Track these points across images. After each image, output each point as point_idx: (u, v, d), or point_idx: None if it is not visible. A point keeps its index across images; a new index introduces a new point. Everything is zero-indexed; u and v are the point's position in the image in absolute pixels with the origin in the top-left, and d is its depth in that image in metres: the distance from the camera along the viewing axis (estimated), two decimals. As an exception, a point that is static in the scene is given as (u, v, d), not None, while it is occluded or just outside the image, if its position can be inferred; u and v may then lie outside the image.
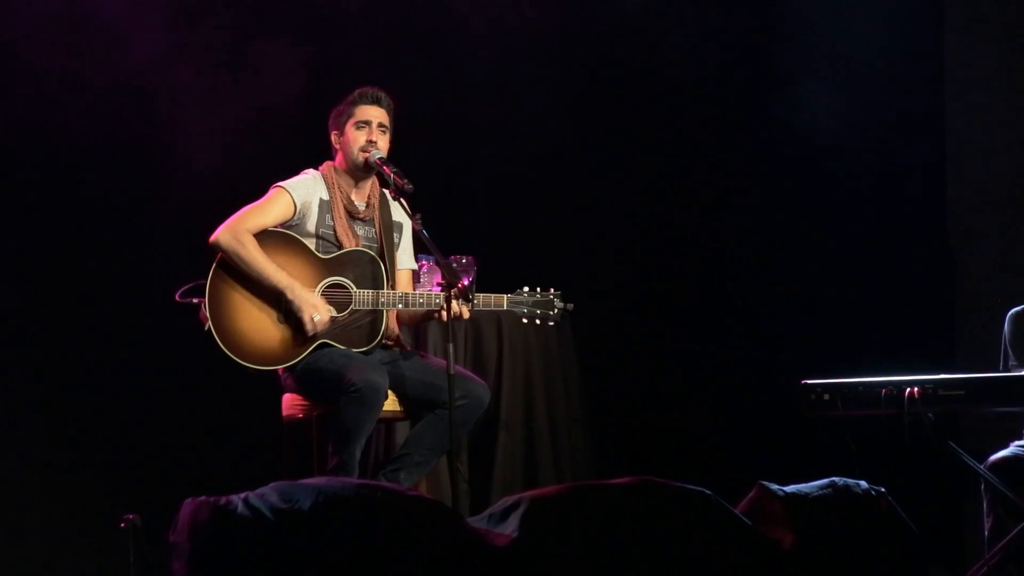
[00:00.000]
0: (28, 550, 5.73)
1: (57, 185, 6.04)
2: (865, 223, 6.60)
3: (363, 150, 5.00)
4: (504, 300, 4.94)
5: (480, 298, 4.90)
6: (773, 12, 6.77)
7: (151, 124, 6.11)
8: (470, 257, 5.46)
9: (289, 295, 4.82)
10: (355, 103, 5.05)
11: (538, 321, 4.96)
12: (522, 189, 6.70)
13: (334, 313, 4.87)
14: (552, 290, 4.98)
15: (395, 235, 5.10)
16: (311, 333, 4.82)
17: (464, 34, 6.58)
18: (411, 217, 4.87)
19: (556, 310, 4.96)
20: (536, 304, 4.95)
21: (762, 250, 6.72)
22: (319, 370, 4.82)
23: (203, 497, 3.62)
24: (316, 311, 4.82)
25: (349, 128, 5.03)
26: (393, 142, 5.08)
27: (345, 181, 5.06)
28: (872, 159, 6.64)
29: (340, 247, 4.96)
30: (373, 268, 4.95)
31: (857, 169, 6.65)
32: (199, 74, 6.15)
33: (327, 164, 5.10)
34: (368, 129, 5.02)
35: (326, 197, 5.00)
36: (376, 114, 5.04)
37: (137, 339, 6.04)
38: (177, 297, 4.93)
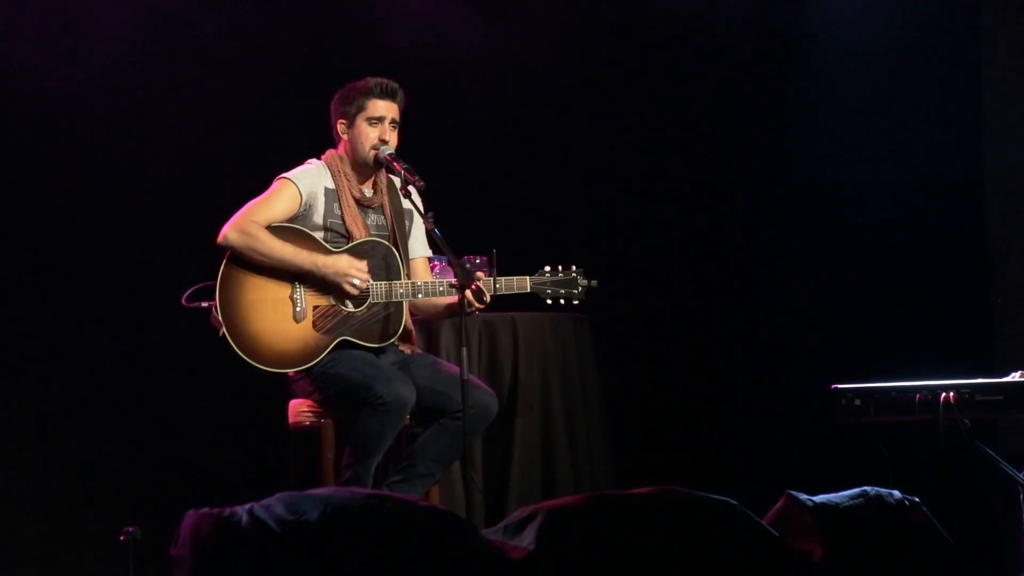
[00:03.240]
0: (26, 564, 5.67)
1: (54, 187, 5.97)
2: (899, 223, 6.51)
3: (373, 147, 4.88)
4: (527, 282, 4.87)
5: (503, 282, 4.83)
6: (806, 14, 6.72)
7: (148, 123, 6.06)
8: (484, 256, 5.39)
9: (318, 272, 4.72)
10: (367, 95, 4.90)
11: (563, 301, 4.88)
12: (541, 188, 6.64)
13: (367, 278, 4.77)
14: (574, 267, 4.91)
15: (406, 222, 4.99)
16: (358, 293, 4.72)
17: (478, 17, 6.49)
18: (423, 216, 4.76)
19: (580, 288, 4.89)
20: (559, 284, 4.88)
21: (792, 251, 6.63)
22: (339, 376, 4.71)
23: (206, 509, 3.51)
24: (351, 275, 4.71)
25: (360, 121, 4.90)
26: (401, 135, 4.97)
27: (350, 170, 4.94)
28: (907, 158, 6.54)
29: (349, 237, 4.84)
30: (388, 259, 4.85)
31: (891, 167, 6.56)
32: (194, 70, 6.10)
33: (330, 152, 4.97)
34: (381, 127, 4.89)
35: (331, 186, 4.88)
36: (390, 110, 4.91)
37: (136, 346, 5.98)
38: (184, 301, 4.85)
